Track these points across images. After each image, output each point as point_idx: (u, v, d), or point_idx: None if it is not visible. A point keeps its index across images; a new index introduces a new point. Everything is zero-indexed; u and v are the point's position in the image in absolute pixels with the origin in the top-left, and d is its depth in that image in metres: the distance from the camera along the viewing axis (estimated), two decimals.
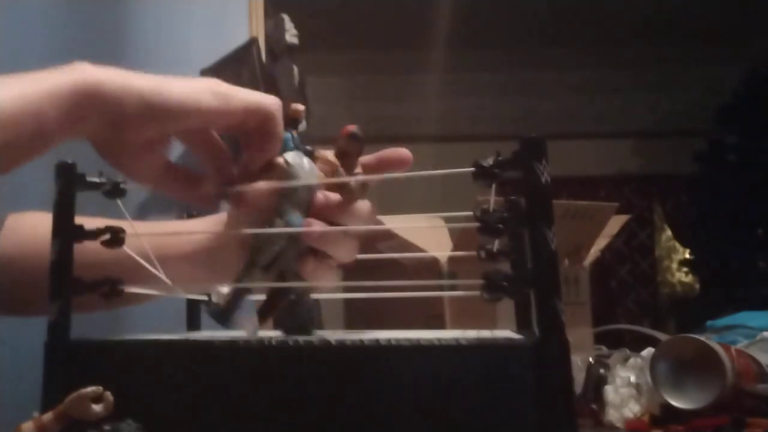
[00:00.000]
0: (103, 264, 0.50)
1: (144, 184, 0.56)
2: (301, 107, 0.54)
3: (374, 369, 0.43)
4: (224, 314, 0.52)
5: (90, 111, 0.49)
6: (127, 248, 0.53)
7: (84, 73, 0.49)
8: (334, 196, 0.53)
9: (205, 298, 0.63)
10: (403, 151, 0.56)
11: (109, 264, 0.51)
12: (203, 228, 0.64)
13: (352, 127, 0.54)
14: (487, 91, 4.14)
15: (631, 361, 0.84)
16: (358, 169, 0.55)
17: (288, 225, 0.52)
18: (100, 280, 0.50)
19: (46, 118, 0.47)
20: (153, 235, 0.60)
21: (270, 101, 0.52)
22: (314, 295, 0.58)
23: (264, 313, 0.53)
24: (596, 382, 0.79)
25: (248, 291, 0.53)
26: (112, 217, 0.55)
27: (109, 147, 0.52)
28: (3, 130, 0.46)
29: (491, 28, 3.66)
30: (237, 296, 0.52)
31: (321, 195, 0.53)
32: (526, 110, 4.04)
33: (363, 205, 0.55)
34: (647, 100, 4.20)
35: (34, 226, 0.65)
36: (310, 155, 0.54)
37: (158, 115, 0.50)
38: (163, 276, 0.54)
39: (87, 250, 0.49)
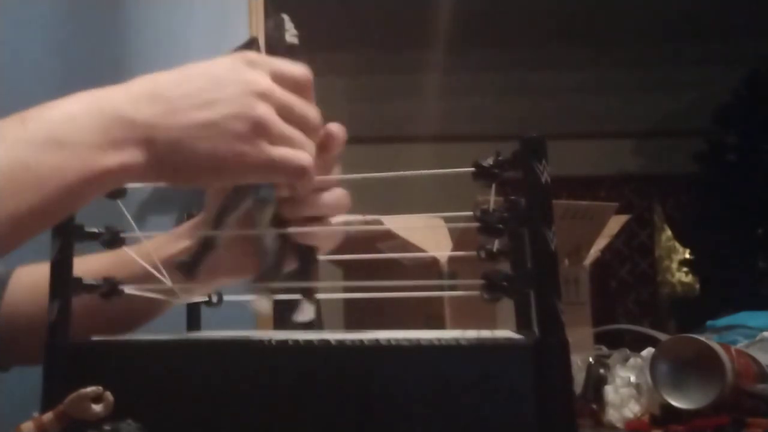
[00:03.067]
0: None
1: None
2: None
3: (374, 369, 0.43)
4: (190, 265, 0.53)
5: (113, 185, 0.48)
6: (129, 251, 0.53)
7: (114, 158, 0.46)
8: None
9: (205, 298, 0.63)
10: (335, 130, 0.56)
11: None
12: (187, 232, 0.64)
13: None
14: (487, 91, 4.14)
15: (631, 361, 0.84)
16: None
17: (260, 194, 0.53)
18: (99, 281, 0.50)
19: (75, 196, 0.46)
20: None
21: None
22: (318, 296, 0.59)
23: (196, 262, 0.54)
24: (596, 382, 0.79)
25: (214, 244, 0.54)
26: (113, 217, 0.55)
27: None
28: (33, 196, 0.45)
29: (491, 28, 3.65)
30: (202, 248, 0.53)
31: None
32: (526, 110, 4.04)
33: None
34: (647, 100, 4.19)
35: (36, 280, 0.65)
36: None
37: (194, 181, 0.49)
38: (169, 281, 0.55)
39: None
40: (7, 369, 0.68)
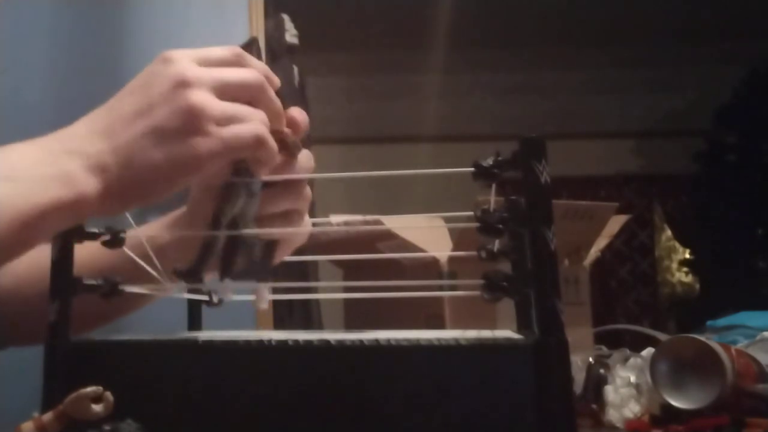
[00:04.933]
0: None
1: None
2: None
3: (374, 369, 0.43)
4: (192, 272, 0.52)
5: (73, 219, 0.48)
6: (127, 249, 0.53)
7: (66, 188, 0.46)
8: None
9: (205, 298, 0.63)
10: (296, 115, 0.55)
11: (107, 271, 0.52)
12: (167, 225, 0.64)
13: None
14: (487, 91, 4.13)
15: (631, 361, 0.84)
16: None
17: (252, 188, 0.53)
18: (99, 281, 0.50)
19: (31, 231, 0.46)
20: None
21: (251, 129, 0.49)
22: (317, 296, 0.59)
23: (225, 267, 0.53)
24: (596, 382, 0.79)
25: (214, 248, 0.53)
26: (113, 217, 0.55)
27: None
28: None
29: (491, 28, 3.65)
30: (204, 253, 0.53)
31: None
32: (526, 110, 4.04)
33: (303, 156, 0.57)
34: (647, 100, 4.19)
35: (31, 259, 0.65)
36: None
37: (142, 198, 0.49)
38: (162, 274, 0.54)
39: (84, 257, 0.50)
40: (2, 348, 0.68)
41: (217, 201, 0.54)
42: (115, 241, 0.52)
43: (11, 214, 0.44)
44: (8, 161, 0.46)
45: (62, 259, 0.48)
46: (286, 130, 0.55)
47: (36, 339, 0.49)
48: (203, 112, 0.47)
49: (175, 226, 0.63)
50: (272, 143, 0.50)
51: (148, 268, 0.54)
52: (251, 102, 0.50)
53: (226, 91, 0.49)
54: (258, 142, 0.49)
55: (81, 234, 0.50)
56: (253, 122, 0.49)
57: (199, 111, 0.47)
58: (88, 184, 0.46)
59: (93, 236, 0.52)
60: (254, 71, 0.51)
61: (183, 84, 0.47)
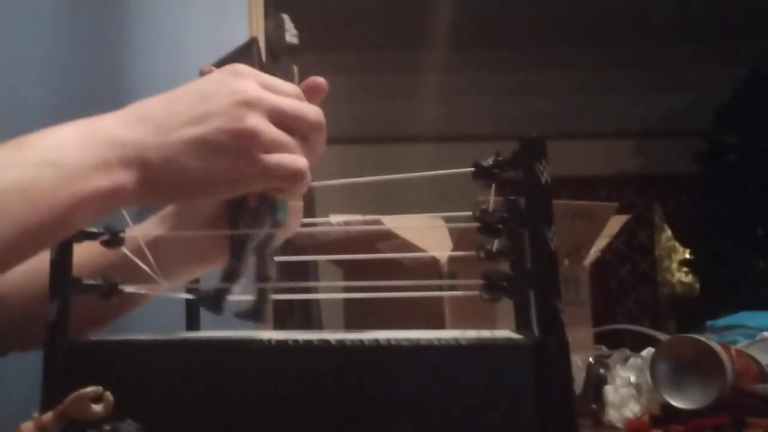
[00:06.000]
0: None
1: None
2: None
3: (374, 369, 0.43)
4: (215, 301, 0.53)
5: (108, 209, 0.48)
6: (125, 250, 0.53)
7: (106, 179, 0.46)
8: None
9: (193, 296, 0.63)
10: (317, 81, 0.55)
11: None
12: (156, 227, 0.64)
13: None
14: (487, 91, 4.13)
15: (631, 361, 0.84)
16: None
17: (276, 212, 0.53)
18: (98, 281, 0.50)
19: (67, 219, 0.46)
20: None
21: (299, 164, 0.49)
22: (318, 296, 0.59)
23: (221, 297, 0.54)
24: (596, 382, 0.79)
25: (237, 276, 0.53)
26: (113, 217, 0.55)
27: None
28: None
29: (491, 28, 3.65)
30: (227, 282, 0.53)
31: None
32: (526, 110, 4.04)
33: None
34: (647, 100, 4.19)
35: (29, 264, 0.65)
36: None
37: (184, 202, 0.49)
38: (157, 271, 0.54)
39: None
40: (4, 354, 0.68)
41: (240, 226, 0.54)
42: (114, 241, 0.53)
43: (50, 202, 0.44)
44: (51, 143, 0.46)
45: (61, 259, 0.48)
46: None
47: (38, 344, 0.49)
48: (256, 137, 0.47)
49: (164, 222, 0.63)
50: (309, 180, 0.50)
51: (143, 266, 0.54)
52: (302, 138, 0.50)
53: (282, 120, 0.49)
54: (298, 176, 0.49)
55: (80, 234, 0.50)
56: (298, 156, 0.49)
57: (252, 135, 0.47)
58: (126, 176, 0.46)
59: (92, 236, 0.52)
60: (316, 109, 0.52)
61: (245, 103, 0.47)
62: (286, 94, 0.50)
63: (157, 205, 0.51)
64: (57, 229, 0.46)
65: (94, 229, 0.52)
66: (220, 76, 0.50)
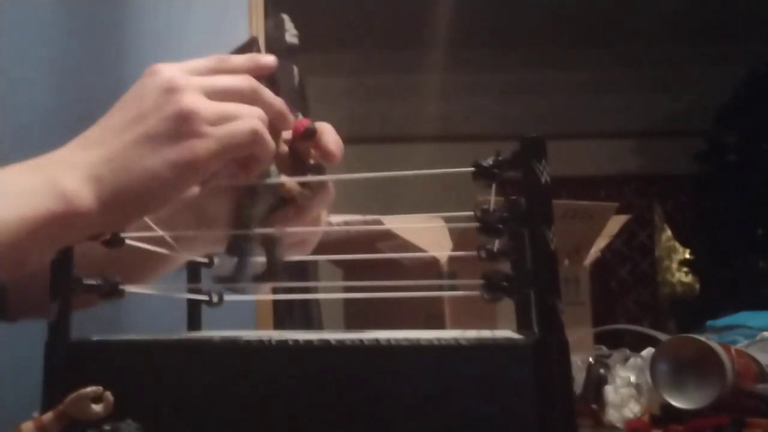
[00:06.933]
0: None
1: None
2: None
3: (374, 369, 0.43)
4: (231, 278, 0.53)
5: (69, 235, 0.46)
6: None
7: (57, 199, 0.45)
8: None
9: (205, 297, 0.63)
10: (332, 146, 0.55)
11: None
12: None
13: (306, 122, 0.53)
14: (487, 91, 4.14)
15: (631, 361, 0.84)
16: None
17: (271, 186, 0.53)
18: (99, 281, 0.50)
19: (24, 248, 0.45)
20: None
21: (247, 133, 0.48)
22: (317, 296, 0.59)
23: (238, 275, 0.53)
24: (596, 382, 0.79)
25: (249, 251, 0.53)
26: None
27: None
28: None
29: (491, 28, 3.65)
30: (240, 259, 0.53)
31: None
32: (526, 110, 4.04)
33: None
34: (647, 100, 4.20)
35: None
36: None
37: (135, 211, 0.47)
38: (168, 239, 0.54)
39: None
40: (15, 320, 0.67)
41: (241, 205, 0.53)
42: (115, 240, 0.52)
43: None
44: None
45: (62, 258, 0.48)
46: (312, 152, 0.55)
47: (35, 312, 0.49)
48: (195, 113, 0.46)
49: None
50: (269, 138, 0.49)
51: (146, 246, 0.54)
52: (242, 101, 0.50)
53: (216, 96, 0.48)
54: (254, 137, 0.48)
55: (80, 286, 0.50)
56: (247, 118, 0.48)
57: (191, 112, 0.46)
58: (82, 196, 0.45)
59: (93, 236, 0.52)
60: (243, 76, 0.50)
61: (173, 89, 0.47)
62: (209, 71, 0.50)
63: (126, 226, 0.50)
64: (10, 260, 0.44)
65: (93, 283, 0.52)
66: (141, 80, 0.49)
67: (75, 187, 0.44)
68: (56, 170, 0.45)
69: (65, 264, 0.48)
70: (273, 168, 0.53)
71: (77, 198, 0.44)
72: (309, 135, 0.54)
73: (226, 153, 0.47)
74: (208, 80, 0.49)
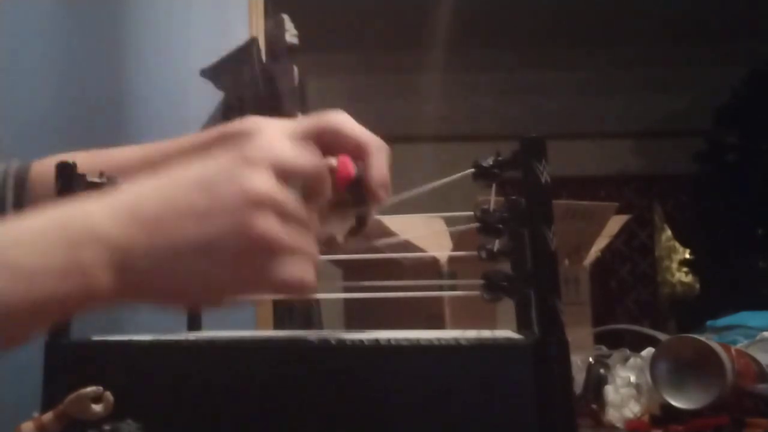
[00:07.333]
0: None
1: None
2: None
3: (374, 369, 0.43)
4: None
5: (78, 311, 0.41)
6: None
7: (78, 286, 0.38)
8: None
9: None
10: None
11: None
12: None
13: (350, 167, 0.51)
14: (487, 91, 4.14)
15: (631, 361, 0.84)
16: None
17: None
18: None
19: (25, 325, 0.39)
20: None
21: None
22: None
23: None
24: (596, 382, 0.79)
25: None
26: None
27: None
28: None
29: (491, 28, 3.65)
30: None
31: None
32: (526, 110, 4.04)
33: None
34: (647, 100, 4.19)
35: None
36: None
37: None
38: None
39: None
40: None
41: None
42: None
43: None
44: (12, 235, 0.39)
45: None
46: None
47: None
48: (268, 244, 0.40)
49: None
50: (313, 289, 0.42)
51: None
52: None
53: (289, 219, 0.42)
54: (301, 289, 0.41)
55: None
56: (306, 268, 0.42)
57: (264, 242, 0.40)
58: (103, 280, 0.39)
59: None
60: (327, 183, 0.46)
61: (256, 203, 0.40)
62: (303, 175, 0.44)
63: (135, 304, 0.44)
64: (12, 336, 0.38)
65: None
66: (226, 164, 0.42)
67: (99, 271, 0.39)
68: (90, 247, 0.39)
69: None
70: None
71: (98, 282, 0.39)
72: (355, 187, 0.51)
73: (269, 292, 0.42)
74: (290, 209, 0.42)
